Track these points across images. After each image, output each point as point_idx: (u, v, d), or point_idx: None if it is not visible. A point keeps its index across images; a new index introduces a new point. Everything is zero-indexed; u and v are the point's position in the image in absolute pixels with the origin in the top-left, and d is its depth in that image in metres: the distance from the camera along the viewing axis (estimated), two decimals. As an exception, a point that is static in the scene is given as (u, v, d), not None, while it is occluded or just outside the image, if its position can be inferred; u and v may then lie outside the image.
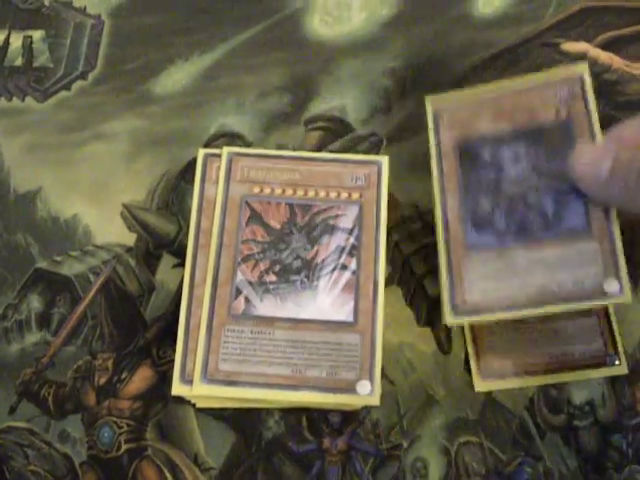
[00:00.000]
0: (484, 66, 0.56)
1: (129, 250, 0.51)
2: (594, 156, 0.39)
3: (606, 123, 0.53)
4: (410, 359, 0.47)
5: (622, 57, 0.56)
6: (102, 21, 0.59)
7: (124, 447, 0.46)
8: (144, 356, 0.48)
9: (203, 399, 0.44)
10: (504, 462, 0.45)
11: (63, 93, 0.57)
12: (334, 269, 0.44)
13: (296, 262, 0.44)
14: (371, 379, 0.41)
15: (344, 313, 0.43)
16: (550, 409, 0.45)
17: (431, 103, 0.46)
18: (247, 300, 0.44)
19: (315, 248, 0.45)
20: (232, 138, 0.53)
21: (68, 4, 0.60)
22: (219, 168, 0.47)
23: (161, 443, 0.46)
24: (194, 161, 0.50)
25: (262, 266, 0.44)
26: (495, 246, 0.41)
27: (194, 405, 0.46)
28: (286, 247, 0.45)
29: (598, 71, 0.55)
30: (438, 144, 0.45)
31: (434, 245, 0.48)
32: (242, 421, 0.46)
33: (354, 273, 0.44)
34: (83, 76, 0.57)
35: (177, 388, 0.42)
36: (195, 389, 0.42)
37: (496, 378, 0.46)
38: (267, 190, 0.46)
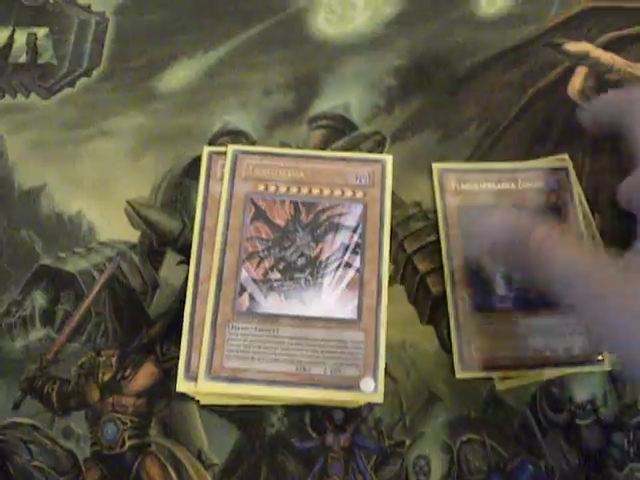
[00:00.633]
0: (487, 66, 0.56)
1: (133, 247, 0.51)
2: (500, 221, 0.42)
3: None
4: (413, 357, 0.47)
5: (624, 57, 0.56)
6: (106, 18, 0.59)
7: (128, 443, 0.46)
8: (148, 353, 0.48)
9: (207, 396, 0.45)
10: (506, 460, 0.45)
11: (67, 90, 0.57)
12: (338, 267, 0.45)
13: (300, 260, 0.45)
14: (375, 376, 0.42)
15: (348, 311, 0.44)
16: (552, 407, 0.46)
17: (437, 170, 0.51)
18: (251, 297, 0.44)
19: (319, 246, 0.45)
20: (236, 136, 0.53)
21: (72, 1, 0.60)
22: (224, 166, 0.47)
23: (165, 439, 0.46)
24: (198, 158, 0.50)
25: (267, 263, 0.45)
26: (496, 309, 0.46)
27: (198, 402, 0.46)
28: (291, 245, 0.45)
29: (600, 71, 0.56)
30: (443, 208, 0.50)
31: (437, 243, 0.48)
32: (246, 418, 0.46)
33: (358, 271, 0.44)
34: (87, 73, 0.57)
35: (182, 385, 0.42)
36: (200, 386, 0.42)
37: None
38: (272, 188, 0.47)
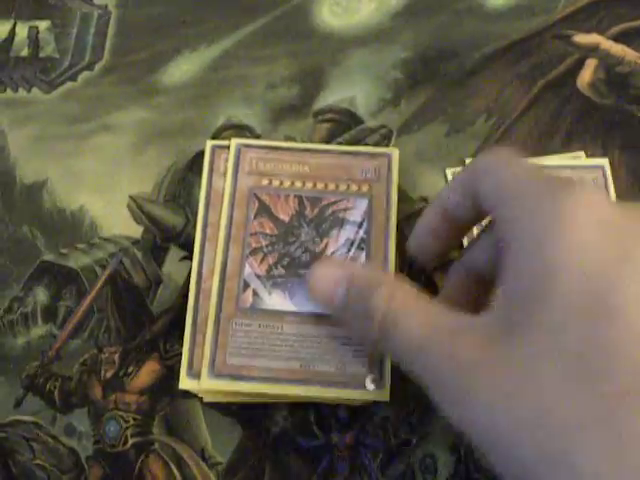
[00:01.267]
0: (495, 58, 0.55)
1: (136, 242, 0.50)
2: (328, 283, 0.36)
3: (618, 117, 0.53)
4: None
5: (635, 49, 0.55)
6: (109, 11, 0.58)
7: (130, 441, 0.46)
8: (151, 350, 0.47)
9: (211, 393, 0.44)
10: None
11: (69, 84, 0.56)
12: None
13: (305, 255, 0.44)
14: (380, 374, 0.41)
15: None
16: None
17: (451, 174, 0.50)
18: (255, 294, 0.43)
19: (324, 241, 0.44)
20: (240, 130, 0.53)
21: (74, -6, 0.59)
22: (227, 160, 0.47)
23: (168, 437, 0.46)
24: (202, 153, 0.50)
25: (270, 259, 0.44)
26: None
27: (201, 399, 0.45)
28: (295, 240, 0.44)
29: (610, 63, 0.55)
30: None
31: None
32: (250, 416, 0.45)
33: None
34: (89, 67, 0.56)
35: (184, 382, 0.42)
36: (202, 383, 0.41)
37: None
38: (276, 182, 0.46)
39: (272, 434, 0.45)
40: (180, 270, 0.49)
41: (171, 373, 0.46)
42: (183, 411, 0.46)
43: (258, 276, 0.44)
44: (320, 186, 0.46)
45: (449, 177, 0.50)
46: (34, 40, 0.58)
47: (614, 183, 0.48)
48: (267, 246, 0.44)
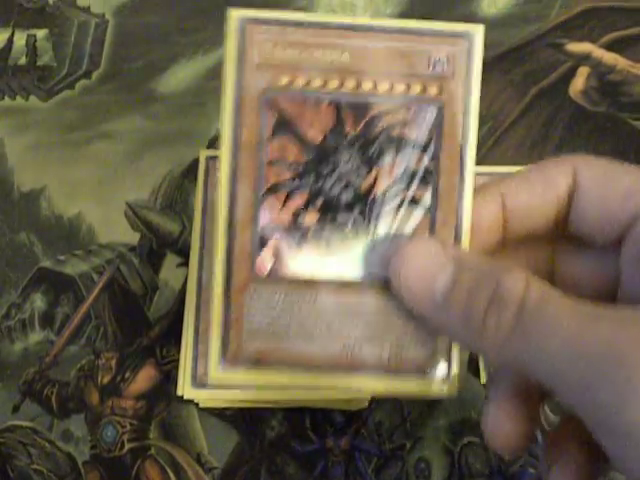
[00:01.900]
0: (489, 66, 0.56)
1: (133, 249, 0.51)
2: (426, 266, 0.28)
3: (610, 124, 0.53)
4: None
5: (627, 58, 0.56)
6: (106, 20, 0.59)
7: (127, 446, 0.46)
8: (148, 355, 0.48)
9: (215, 401, 0.43)
10: (507, 463, 0.45)
11: (67, 92, 0.57)
12: (401, 204, 0.31)
13: (346, 193, 0.31)
14: (449, 359, 0.31)
15: None
16: (552, 409, 0.45)
17: None
18: (277, 252, 0.31)
19: (373, 172, 0.31)
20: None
21: (72, 3, 0.60)
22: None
23: (164, 442, 0.46)
24: (197, 160, 0.50)
25: (297, 200, 0.31)
26: None
27: (197, 405, 0.46)
28: (331, 171, 0.31)
29: (602, 71, 0.55)
30: None
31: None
32: (245, 421, 0.46)
33: (429, 211, 0.31)
34: (87, 75, 0.57)
35: (189, 391, 0.37)
36: (212, 376, 0.31)
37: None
38: (300, 81, 0.31)
39: (268, 439, 0.46)
40: (176, 276, 0.50)
41: (168, 379, 0.47)
42: (179, 416, 0.46)
43: (281, 225, 0.31)
44: (367, 86, 0.31)
45: None
46: (32, 48, 0.58)
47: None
48: (292, 179, 0.31)
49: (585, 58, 0.56)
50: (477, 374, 0.46)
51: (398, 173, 0.31)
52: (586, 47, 0.56)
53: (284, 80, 0.30)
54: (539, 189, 0.29)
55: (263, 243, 0.31)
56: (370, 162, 0.31)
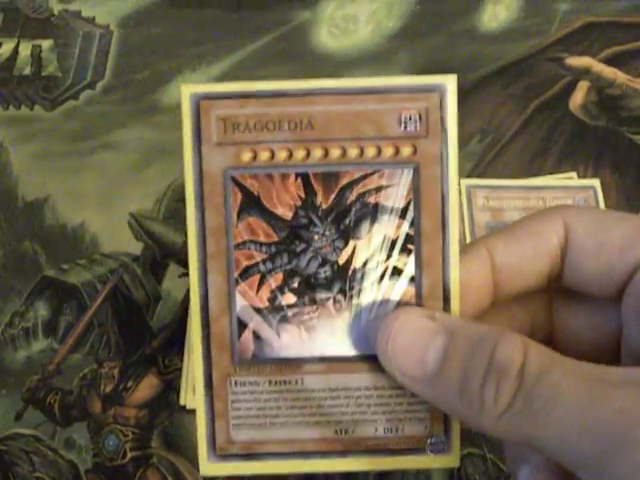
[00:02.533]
0: (489, 80, 0.56)
1: (136, 259, 0.51)
2: (414, 338, 0.26)
3: (609, 138, 0.54)
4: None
5: (626, 72, 0.56)
6: (110, 31, 0.59)
7: (129, 455, 0.46)
8: (150, 364, 0.48)
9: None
10: (506, 474, 0.45)
11: (71, 102, 0.57)
12: (382, 276, 0.29)
13: (323, 270, 0.29)
14: (447, 432, 0.29)
15: None
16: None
17: (465, 186, 0.47)
18: (257, 336, 0.29)
19: (350, 245, 0.29)
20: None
21: (77, 14, 0.60)
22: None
23: (166, 451, 0.46)
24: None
25: (272, 282, 0.29)
26: None
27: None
28: (305, 248, 0.29)
29: (602, 86, 0.56)
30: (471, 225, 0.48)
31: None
32: (247, 430, 0.46)
33: (413, 280, 0.29)
34: (91, 85, 0.57)
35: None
36: (203, 470, 0.30)
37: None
38: (264, 155, 0.28)
39: (269, 448, 0.46)
40: (179, 286, 0.50)
41: (170, 388, 0.47)
42: (181, 425, 0.47)
43: (257, 310, 0.29)
44: (335, 153, 0.29)
45: (462, 189, 0.50)
46: (37, 59, 0.59)
47: (605, 203, 0.49)
48: (264, 262, 0.29)
49: (585, 72, 0.56)
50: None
51: (377, 243, 0.29)
52: (586, 61, 0.57)
53: (246, 156, 0.28)
54: (529, 246, 0.28)
55: (242, 327, 0.29)
56: (346, 234, 0.29)
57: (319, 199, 0.29)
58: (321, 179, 0.29)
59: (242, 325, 0.29)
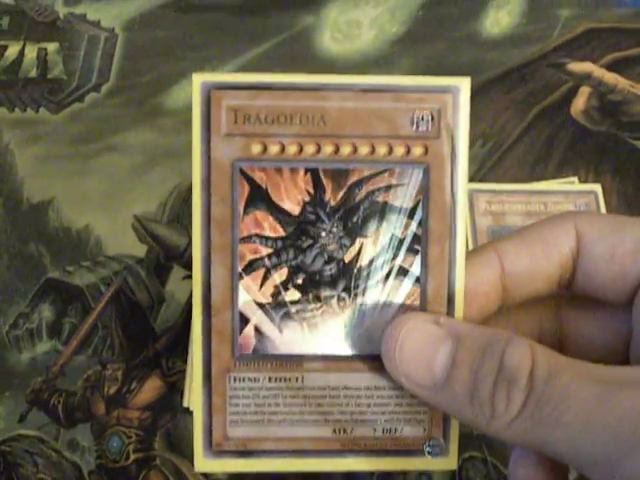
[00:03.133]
0: (491, 85, 0.57)
1: (140, 261, 0.51)
2: (422, 344, 0.26)
3: (610, 144, 0.54)
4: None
5: (627, 78, 0.57)
6: (115, 34, 0.60)
7: (133, 457, 0.46)
8: (153, 367, 0.48)
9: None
10: (507, 477, 0.45)
11: (76, 105, 0.57)
12: (388, 275, 0.29)
13: (329, 267, 0.29)
14: (445, 435, 0.29)
15: None
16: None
17: (467, 190, 0.46)
18: (258, 332, 0.29)
19: (357, 243, 0.29)
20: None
21: (82, 17, 0.61)
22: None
23: (169, 453, 0.47)
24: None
25: (277, 277, 0.29)
26: None
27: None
28: (312, 244, 0.29)
29: (603, 91, 0.56)
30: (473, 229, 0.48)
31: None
32: (250, 432, 0.46)
33: (418, 281, 0.29)
34: (96, 88, 0.58)
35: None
36: (198, 465, 0.30)
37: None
38: (274, 148, 0.28)
39: (271, 451, 0.46)
40: (183, 289, 0.50)
41: (173, 390, 0.47)
42: (184, 427, 0.47)
43: (260, 305, 0.29)
44: (346, 150, 0.29)
45: None
46: (43, 62, 0.59)
47: (606, 208, 0.50)
48: (270, 256, 0.29)
49: (586, 78, 0.57)
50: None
51: (384, 242, 0.29)
52: (587, 67, 0.57)
53: (256, 148, 0.28)
54: (539, 250, 0.28)
55: (244, 322, 0.29)
56: (353, 232, 0.29)
57: (328, 195, 0.28)
58: (331, 175, 0.28)
59: (244, 320, 0.29)
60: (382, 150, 0.28)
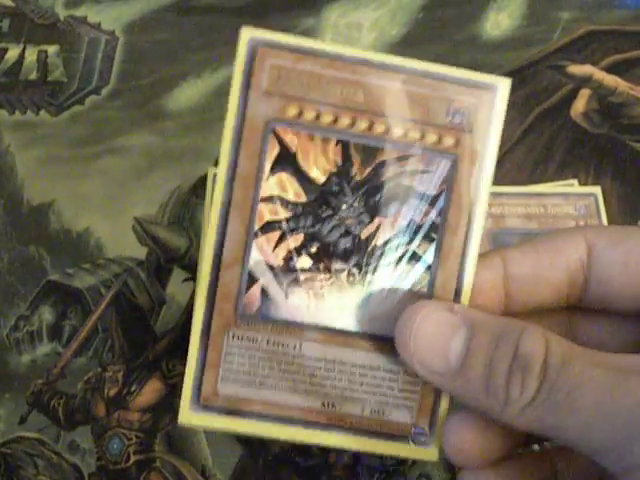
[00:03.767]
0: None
1: (140, 264, 0.51)
2: (437, 331, 0.27)
3: (610, 146, 0.54)
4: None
5: (627, 80, 0.56)
6: (116, 37, 0.60)
7: (133, 458, 0.46)
8: (154, 369, 0.48)
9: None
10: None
11: (77, 107, 0.57)
12: (401, 259, 0.29)
13: (344, 241, 0.29)
14: (431, 425, 0.29)
15: None
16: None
17: None
18: (265, 293, 0.29)
19: (376, 221, 0.29)
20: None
21: (83, 20, 0.61)
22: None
23: (169, 455, 0.47)
24: (205, 177, 0.51)
25: (291, 242, 0.29)
26: None
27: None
28: (331, 215, 0.29)
29: (603, 94, 0.56)
30: None
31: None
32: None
33: (429, 268, 0.29)
34: (97, 91, 0.58)
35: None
36: (182, 418, 0.29)
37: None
38: (310, 114, 0.28)
39: (272, 453, 0.46)
40: (183, 291, 0.50)
41: (173, 392, 0.47)
42: (185, 429, 0.47)
43: (271, 267, 0.29)
44: (379, 129, 0.28)
45: None
46: (43, 64, 0.59)
47: (606, 210, 0.50)
48: (288, 220, 0.29)
49: (586, 80, 0.57)
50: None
51: (402, 225, 0.29)
52: (587, 69, 0.57)
53: (292, 111, 0.28)
54: (546, 258, 0.28)
55: (252, 281, 0.29)
56: (374, 210, 0.29)
57: (355, 170, 0.28)
58: (361, 150, 0.28)
59: (252, 279, 0.28)
60: (415, 135, 0.28)
